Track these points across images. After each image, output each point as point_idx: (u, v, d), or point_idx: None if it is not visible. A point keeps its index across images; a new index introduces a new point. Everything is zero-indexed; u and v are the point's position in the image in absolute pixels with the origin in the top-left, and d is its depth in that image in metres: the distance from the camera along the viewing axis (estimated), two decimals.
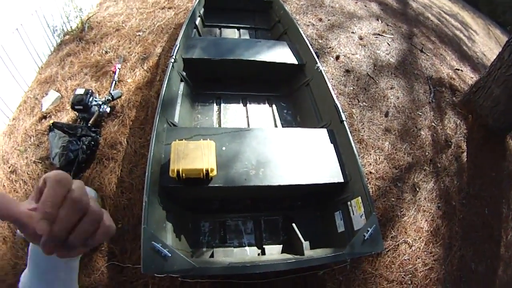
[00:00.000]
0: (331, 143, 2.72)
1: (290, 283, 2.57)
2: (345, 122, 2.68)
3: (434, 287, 2.93)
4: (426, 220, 3.27)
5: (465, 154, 4.04)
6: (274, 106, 3.48)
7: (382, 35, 5.44)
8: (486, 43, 7.95)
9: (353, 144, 2.52)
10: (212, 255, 2.42)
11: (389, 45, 5.26)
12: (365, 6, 6.24)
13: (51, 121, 3.19)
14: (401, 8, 6.74)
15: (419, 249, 3.08)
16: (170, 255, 1.80)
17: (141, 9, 4.96)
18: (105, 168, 3.05)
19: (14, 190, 2.88)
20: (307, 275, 2.51)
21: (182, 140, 2.35)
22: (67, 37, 4.37)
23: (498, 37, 9.44)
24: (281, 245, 2.58)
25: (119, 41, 4.29)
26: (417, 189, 3.46)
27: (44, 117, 3.43)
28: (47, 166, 3.03)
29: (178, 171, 2.15)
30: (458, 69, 5.41)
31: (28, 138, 3.26)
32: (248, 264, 2.09)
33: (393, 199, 3.29)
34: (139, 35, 4.45)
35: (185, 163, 2.19)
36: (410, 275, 2.90)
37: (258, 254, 2.51)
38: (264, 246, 2.54)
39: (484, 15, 11.00)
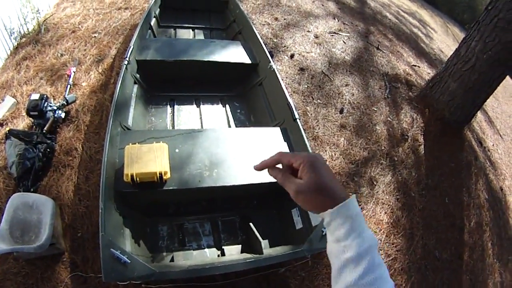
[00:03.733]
0: (285, 141, 2.75)
1: (253, 283, 2.57)
2: (298, 120, 2.72)
3: (399, 277, 3.01)
4: (385, 213, 3.35)
5: (422, 147, 4.17)
6: (227, 106, 3.49)
7: (338, 34, 5.52)
8: (444, 40, 8.25)
9: (306, 142, 2.56)
10: (172, 259, 2.39)
11: (345, 43, 5.35)
12: (322, 5, 6.33)
13: (7, 129, 3.06)
14: (359, 7, 6.89)
15: (381, 241, 3.15)
16: (129, 261, 1.79)
17: (98, 9, 4.84)
18: (61, 175, 2.95)
19: None
20: (269, 273, 2.52)
21: (135, 143, 2.33)
22: (24, 39, 4.21)
23: (456, 34, 9.81)
24: (240, 245, 2.58)
25: (74, 43, 4.17)
26: (375, 183, 3.54)
27: (1, 124, 3.28)
28: (5, 176, 2.89)
29: (132, 176, 2.13)
30: (415, 65, 5.59)
31: None
32: (208, 266, 2.09)
33: (350, 194, 3.32)
34: (94, 36, 4.34)
35: (139, 167, 2.16)
36: None
37: (218, 255, 2.50)
38: (223, 247, 2.54)
39: (442, 14, 11.41)
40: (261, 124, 3.08)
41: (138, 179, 2.15)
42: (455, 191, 3.96)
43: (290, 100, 2.86)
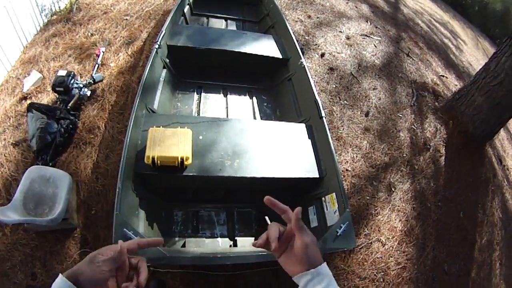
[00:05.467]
0: (309, 138, 2.73)
1: (262, 276, 2.58)
2: (324, 119, 2.69)
3: (406, 286, 2.98)
4: (400, 220, 3.31)
5: (443, 158, 4.11)
6: (254, 98, 3.48)
7: (369, 37, 5.46)
8: (473, 54, 8.07)
9: (330, 141, 2.54)
10: (184, 245, 2.41)
11: (376, 47, 5.29)
12: (356, 7, 6.28)
13: (29, 102, 3.11)
14: (392, 12, 6.80)
15: (392, 248, 3.12)
16: None
17: None
18: (81, 152, 3.00)
19: None
20: (278, 268, 2.51)
21: (159, 127, 2.33)
22: (55, 17, 4.27)
23: (486, 48, 9.58)
24: (253, 238, 2.58)
25: (105, 24, 4.22)
26: (393, 189, 3.50)
27: (25, 97, 3.35)
28: (25, 149, 2.95)
29: (153, 158, 2.14)
30: (443, 76, 5.49)
31: (7, 119, 3.17)
32: (219, 255, 2.08)
33: (368, 197, 3.32)
34: (126, 19, 4.38)
35: (161, 150, 2.17)
36: (382, 273, 2.94)
37: (230, 246, 2.51)
38: (236, 238, 2.54)
39: (474, 27, 11.15)
40: (287, 119, 3.06)
41: (159, 162, 2.15)
42: (470, 206, 3.89)
43: (318, 97, 2.83)
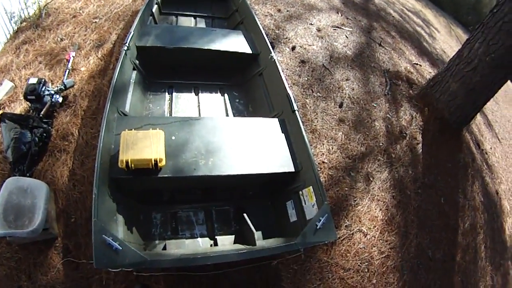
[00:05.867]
0: (282, 132, 2.74)
1: (245, 274, 2.58)
2: (296, 112, 2.70)
3: (392, 275, 3.02)
4: (380, 209, 3.35)
5: (420, 145, 4.16)
6: (226, 95, 3.47)
7: (340, 28, 5.46)
8: (446, 41, 8.20)
9: (304, 134, 2.55)
10: (164, 248, 2.40)
11: (347, 37, 5.30)
12: None
13: (1, 112, 3.04)
14: (363, 3, 6.81)
15: (374, 237, 3.15)
16: (121, 248, 1.78)
17: None
18: (57, 160, 2.94)
19: None
20: (261, 265, 2.52)
21: (131, 129, 2.31)
22: (24, 24, 4.16)
23: (459, 36, 9.75)
24: (233, 236, 2.58)
25: (75, 28, 4.13)
26: (371, 179, 3.53)
27: None
28: (1, 161, 2.89)
29: (127, 162, 2.12)
30: (417, 64, 5.55)
31: None
32: (200, 255, 2.09)
33: (346, 189, 3.34)
34: (95, 22, 4.29)
35: (134, 153, 2.15)
36: (366, 263, 2.98)
37: (211, 245, 2.50)
38: (216, 237, 2.54)
39: (447, 14, 11.34)
40: (259, 115, 3.08)
41: (132, 165, 2.14)
42: (451, 192, 3.96)
43: (289, 91, 2.84)
